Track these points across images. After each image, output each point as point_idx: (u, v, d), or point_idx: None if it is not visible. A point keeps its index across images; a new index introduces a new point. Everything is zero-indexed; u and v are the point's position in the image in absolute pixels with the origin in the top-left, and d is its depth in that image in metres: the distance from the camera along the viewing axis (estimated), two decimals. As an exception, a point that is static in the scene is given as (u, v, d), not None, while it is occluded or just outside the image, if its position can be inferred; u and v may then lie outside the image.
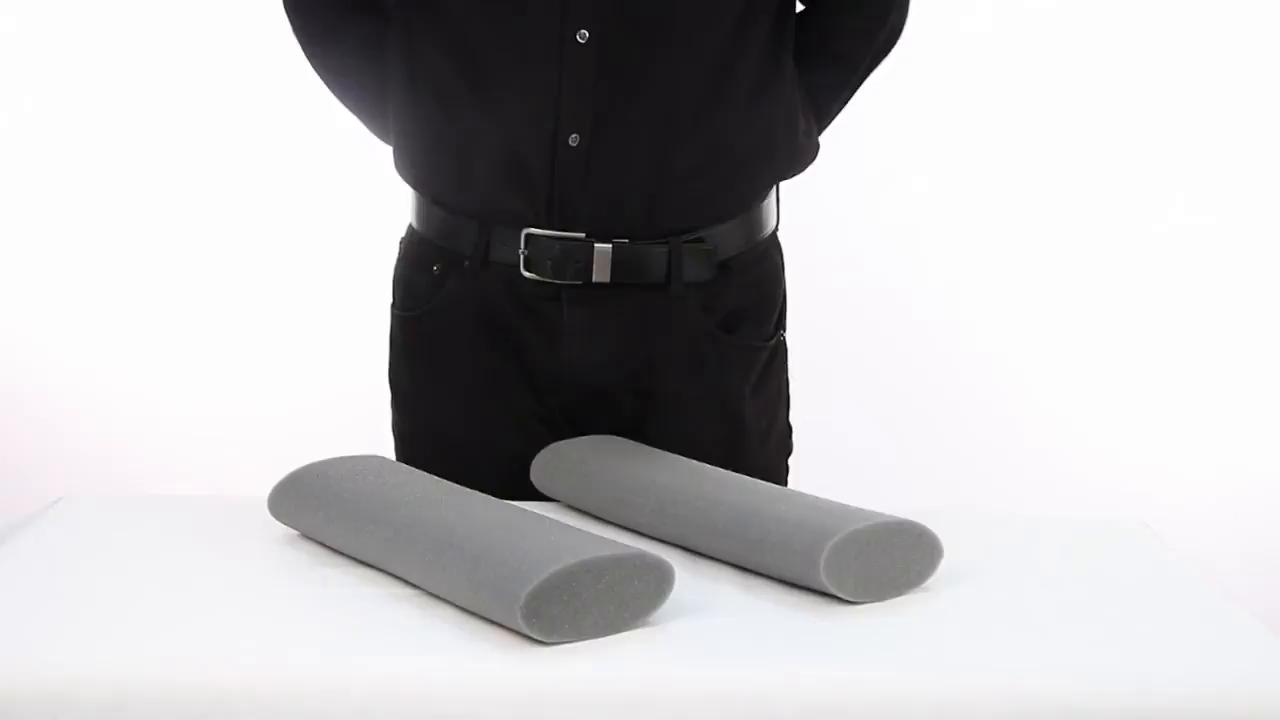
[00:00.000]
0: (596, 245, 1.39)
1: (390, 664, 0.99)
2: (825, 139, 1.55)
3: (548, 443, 1.41)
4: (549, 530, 1.11)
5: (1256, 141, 2.57)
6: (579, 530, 1.11)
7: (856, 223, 2.50)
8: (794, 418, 1.57)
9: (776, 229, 1.51)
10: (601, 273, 1.40)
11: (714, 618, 1.09)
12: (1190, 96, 2.56)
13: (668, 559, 1.08)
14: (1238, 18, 2.52)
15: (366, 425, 1.70)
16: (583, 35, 1.35)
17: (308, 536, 1.25)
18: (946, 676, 1.00)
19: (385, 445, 1.55)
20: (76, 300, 2.62)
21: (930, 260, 2.57)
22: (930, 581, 1.16)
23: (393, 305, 1.54)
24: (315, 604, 1.10)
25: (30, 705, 0.95)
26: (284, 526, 1.27)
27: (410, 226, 1.51)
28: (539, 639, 1.01)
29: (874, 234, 2.51)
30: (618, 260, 1.40)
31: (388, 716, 0.96)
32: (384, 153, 1.53)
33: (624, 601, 1.05)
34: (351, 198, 2.45)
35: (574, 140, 1.37)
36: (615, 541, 1.10)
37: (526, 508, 1.21)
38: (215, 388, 2.63)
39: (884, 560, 1.13)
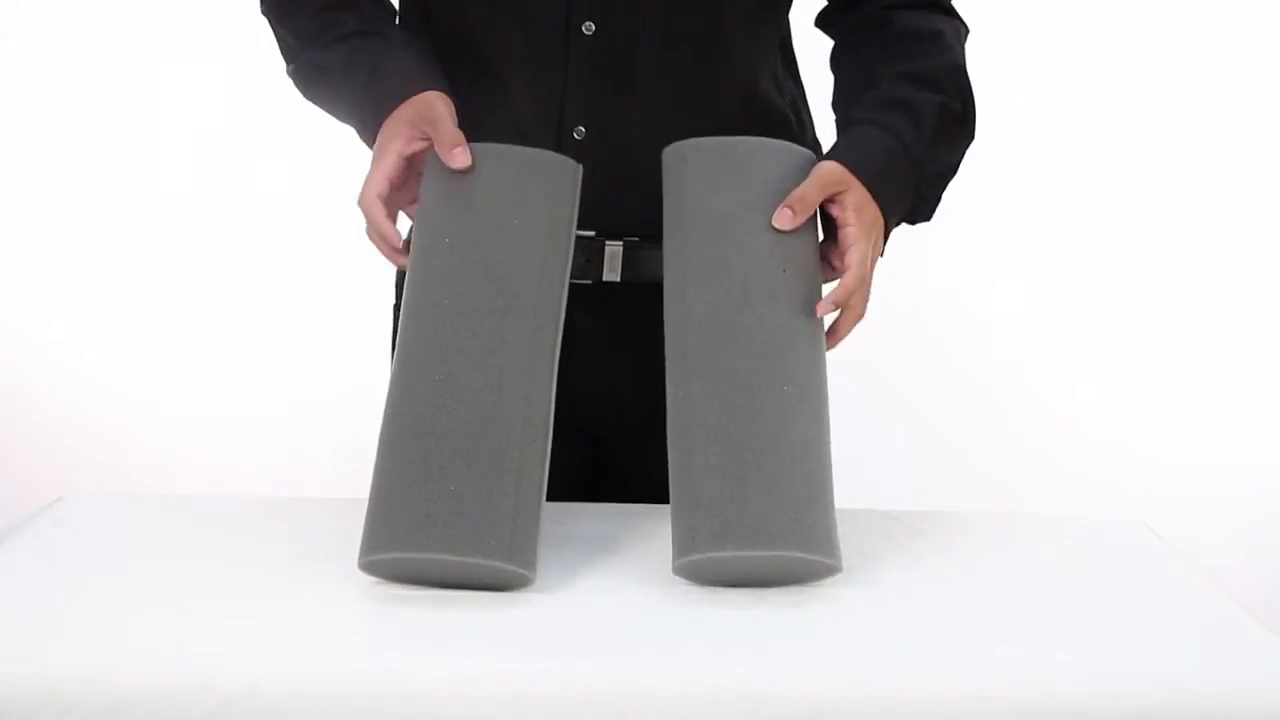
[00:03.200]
0: (607, 244, 1.39)
1: (390, 664, 0.99)
2: (823, 139, 1.55)
3: (554, 449, 1.40)
4: (470, 485, 1.11)
5: (1254, 142, 2.57)
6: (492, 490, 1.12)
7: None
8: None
9: None
10: (612, 272, 1.40)
11: (712, 617, 1.09)
12: (1191, 99, 2.56)
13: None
14: (1234, 23, 2.53)
15: (366, 426, 1.70)
16: (588, 27, 1.34)
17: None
18: (946, 676, 1.00)
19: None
20: (76, 300, 2.63)
21: (931, 260, 2.56)
22: (930, 581, 1.17)
23: (395, 305, 1.53)
24: (316, 604, 1.10)
25: (30, 705, 0.95)
26: (283, 528, 1.27)
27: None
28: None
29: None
30: (628, 259, 1.40)
31: (388, 716, 0.96)
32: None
33: (472, 587, 1.12)
34: (351, 196, 2.45)
35: (579, 133, 1.36)
36: (487, 538, 1.09)
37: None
38: (215, 388, 2.64)
39: (750, 572, 1.13)
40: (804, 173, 1.24)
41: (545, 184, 1.22)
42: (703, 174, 1.23)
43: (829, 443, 1.19)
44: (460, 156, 1.22)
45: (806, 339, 1.20)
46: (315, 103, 1.42)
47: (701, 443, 1.14)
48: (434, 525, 1.09)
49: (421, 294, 1.20)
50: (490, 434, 1.13)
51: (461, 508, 1.10)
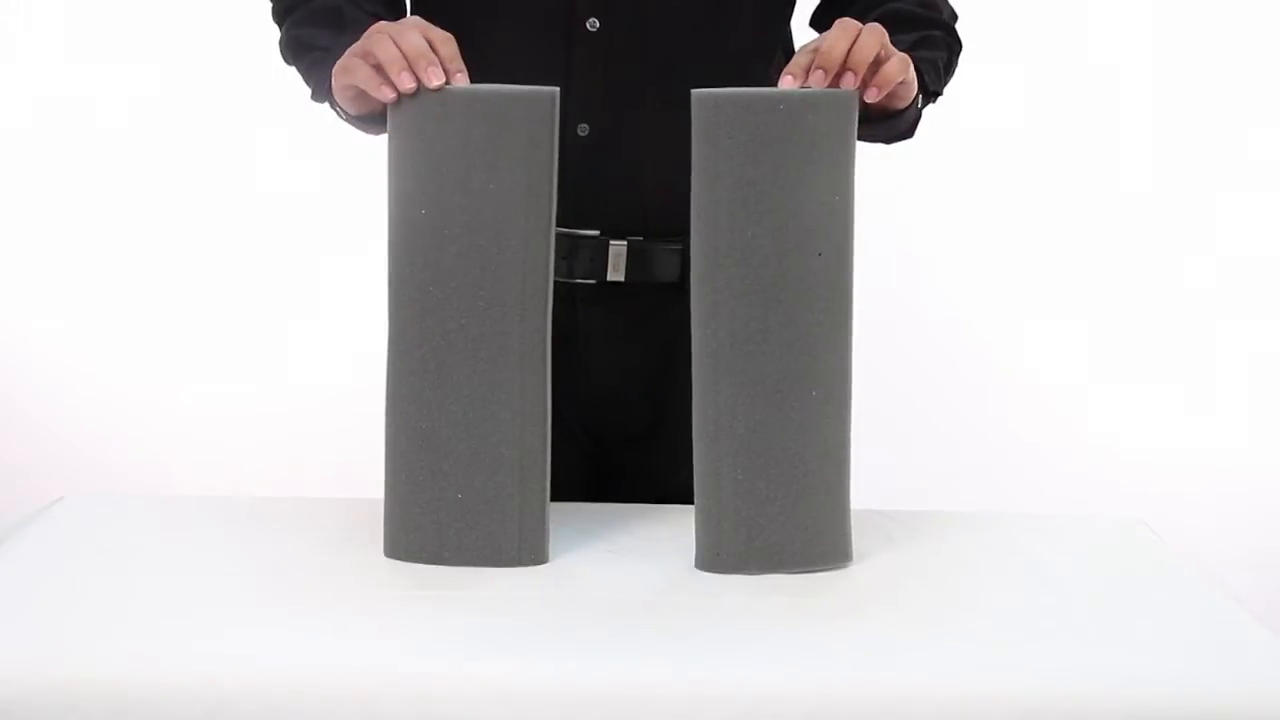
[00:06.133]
0: (611, 243, 1.39)
1: (390, 664, 0.99)
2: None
3: (558, 449, 1.39)
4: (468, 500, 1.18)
5: (1253, 143, 2.57)
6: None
7: (857, 225, 2.50)
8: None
9: None
10: (616, 271, 1.39)
11: (715, 618, 1.09)
12: (1190, 101, 2.56)
13: None
14: (1234, 30, 2.53)
15: (366, 425, 1.70)
16: (593, 24, 1.34)
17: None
18: (945, 676, 1.00)
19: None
20: (75, 300, 2.62)
21: (932, 261, 2.56)
22: (930, 582, 1.17)
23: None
24: (315, 604, 1.10)
25: (31, 705, 0.95)
26: (283, 528, 1.27)
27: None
28: None
29: (875, 236, 2.51)
30: (632, 259, 1.39)
31: (388, 716, 0.96)
32: (382, 150, 1.52)
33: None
34: (351, 195, 2.45)
35: (583, 130, 1.36)
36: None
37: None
38: (214, 388, 2.63)
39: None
40: (850, 123, 1.18)
41: (520, 132, 1.15)
42: (737, 139, 1.15)
43: (850, 437, 1.24)
44: (459, 78, 1.15)
45: (838, 331, 1.21)
46: (295, 48, 1.37)
47: (729, 455, 1.18)
48: (446, 534, 1.18)
49: (403, 277, 1.19)
50: (489, 435, 1.18)
51: (470, 516, 1.18)
